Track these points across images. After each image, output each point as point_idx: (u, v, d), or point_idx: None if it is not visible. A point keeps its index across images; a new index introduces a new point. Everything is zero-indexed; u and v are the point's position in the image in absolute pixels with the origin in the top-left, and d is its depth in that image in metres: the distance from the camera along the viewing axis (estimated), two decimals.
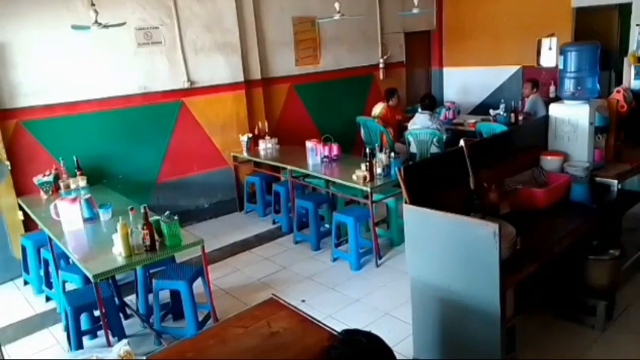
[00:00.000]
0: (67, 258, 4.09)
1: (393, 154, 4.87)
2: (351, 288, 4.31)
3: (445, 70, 8.98)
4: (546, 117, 3.83)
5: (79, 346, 3.42)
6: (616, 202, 3.53)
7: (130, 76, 5.56)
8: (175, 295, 3.81)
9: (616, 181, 3.51)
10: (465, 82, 8.65)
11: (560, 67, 3.71)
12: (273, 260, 5.00)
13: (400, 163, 4.69)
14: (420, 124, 6.12)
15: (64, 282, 3.89)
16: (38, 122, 5.07)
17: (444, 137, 6.01)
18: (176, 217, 3.31)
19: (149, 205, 3.38)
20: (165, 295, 3.85)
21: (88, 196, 4.11)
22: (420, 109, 6.33)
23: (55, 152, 5.08)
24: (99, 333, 3.76)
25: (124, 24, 4.60)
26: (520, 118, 6.51)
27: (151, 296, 3.78)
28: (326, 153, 5.29)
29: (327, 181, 5.24)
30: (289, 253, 5.14)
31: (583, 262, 3.33)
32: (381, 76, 8.00)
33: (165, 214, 3.32)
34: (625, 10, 6.91)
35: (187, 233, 3.46)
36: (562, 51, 3.73)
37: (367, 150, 4.78)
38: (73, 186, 4.78)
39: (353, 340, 1.61)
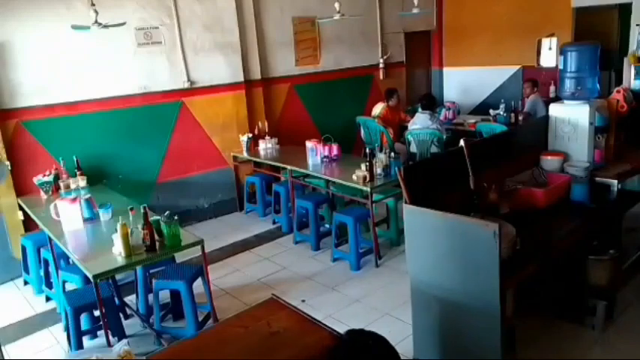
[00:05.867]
0: (67, 258, 4.09)
1: (393, 154, 4.87)
2: (351, 288, 4.31)
3: (445, 70, 8.98)
4: (546, 117, 3.83)
5: (79, 346, 3.42)
6: (616, 202, 3.52)
7: (130, 76, 5.56)
8: (175, 295, 3.81)
9: (616, 181, 3.50)
10: (465, 82, 8.64)
11: (560, 67, 3.71)
12: (273, 260, 5.00)
13: (400, 163, 4.69)
14: (421, 124, 6.12)
15: (64, 282, 3.89)
16: (38, 122, 5.07)
17: (444, 137, 6.01)
18: (176, 217, 3.30)
19: (149, 205, 3.38)
20: (165, 295, 3.85)
21: (88, 196, 4.12)
22: (420, 109, 6.33)
23: (55, 152, 5.08)
24: (99, 333, 3.76)
25: (124, 24, 4.59)
26: (520, 118, 6.51)
27: (151, 296, 3.78)
28: (326, 153, 5.29)
29: (327, 181, 5.24)
30: (289, 253, 5.14)
31: (583, 262, 3.32)
32: (381, 76, 8.00)
33: (165, 214, 3.31)
34: (625, 10, 6.91)
35: (187, 233, 3.46)
36: (562, 51, 3.73)
37: (367, 150, 4.78)
38: (73, 186, 4.78)
39: (358, 340, 1.60)
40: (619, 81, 5.93)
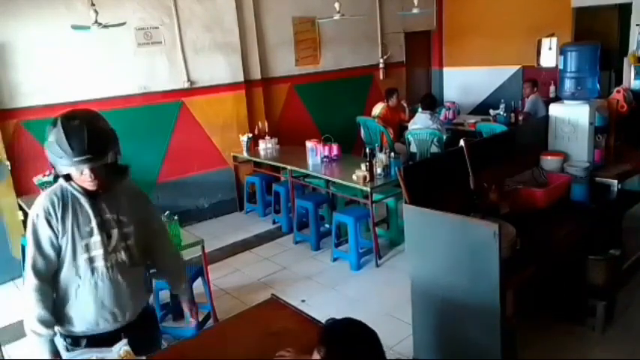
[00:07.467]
0: None
1: (393, 154, 4.87)
2: (351, 288, 4.31)
3: (445, 70, 8.98)
4: (546, 117, 3.83)
5: None
6: (616, 202, 3.52)
7: (130, 76, 5.56)
8: (175, 295, 3.80)
9: (616, 181, 3.50)
10: (465, 82, 8.65)
11: (560, 67, 3.71)
12: (273, 260, 5.00)
13: (400, 163, 4.69)
14: (421, 123, 6.12)
15: None
16: (38, 122, 5.05)
17: (444, 137, 6.01)
18: (176, 217, 3.31)
19: None
20: (165, 295, 3.85)
21: None
22: (420, 109, 6.33)
23: None
24: None
25: (124, 24, 4.60)
26: (520, 118, 6.51)
27: (151, 296, 3.77)
28: (326, 153, 5.29)
29: (327, 181, 5.24)
30: (289, 253, 5.14)
31: (583, 262, 3.32)
32: (381, 76, 8.00)
33: (165, 214, 3.31)
34: (625, 10, 6.91)
35: (187, 233, 3.46)
36: (562, 51, 3.72)
37: (367, 150, 4.78)
38: None
39: (338, 330, 1.61)
40: (619, 81, 5.93)
